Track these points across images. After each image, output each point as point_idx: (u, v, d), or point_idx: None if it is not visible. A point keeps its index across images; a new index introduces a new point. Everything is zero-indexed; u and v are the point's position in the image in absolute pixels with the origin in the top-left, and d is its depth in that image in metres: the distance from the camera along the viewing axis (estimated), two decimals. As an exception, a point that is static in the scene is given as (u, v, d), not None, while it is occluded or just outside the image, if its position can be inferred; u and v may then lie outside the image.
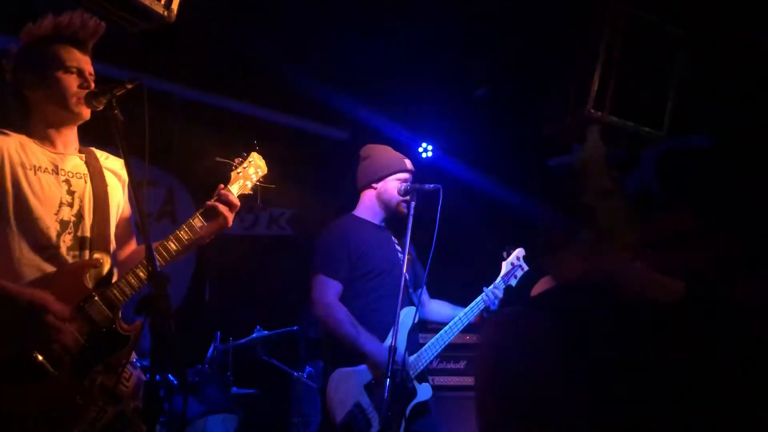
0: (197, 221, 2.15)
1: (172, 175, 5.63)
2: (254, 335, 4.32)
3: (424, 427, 2.87)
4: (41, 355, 1.85)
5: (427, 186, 2.84)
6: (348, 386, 2.72)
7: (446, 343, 2.95)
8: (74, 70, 2.07)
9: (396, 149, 3.18)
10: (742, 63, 3.48)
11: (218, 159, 2.38)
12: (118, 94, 1.85)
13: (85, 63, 2.11)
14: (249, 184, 2.38)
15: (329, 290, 2.82)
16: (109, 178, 2.19)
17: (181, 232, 2.11)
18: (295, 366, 4.47)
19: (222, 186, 2.26)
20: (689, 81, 3.35)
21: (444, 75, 4.98)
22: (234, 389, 4.14)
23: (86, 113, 2.09)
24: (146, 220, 1.80)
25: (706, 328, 1.19)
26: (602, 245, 1.27)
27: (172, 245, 2.09)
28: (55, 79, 2.05)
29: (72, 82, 2.06)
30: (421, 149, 5.69)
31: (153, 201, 5.41)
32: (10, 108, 2.09)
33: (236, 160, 2.37)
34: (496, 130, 5.18)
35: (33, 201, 1.98)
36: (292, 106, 5.60)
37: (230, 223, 2.25)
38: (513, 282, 3.19)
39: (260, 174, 2.43)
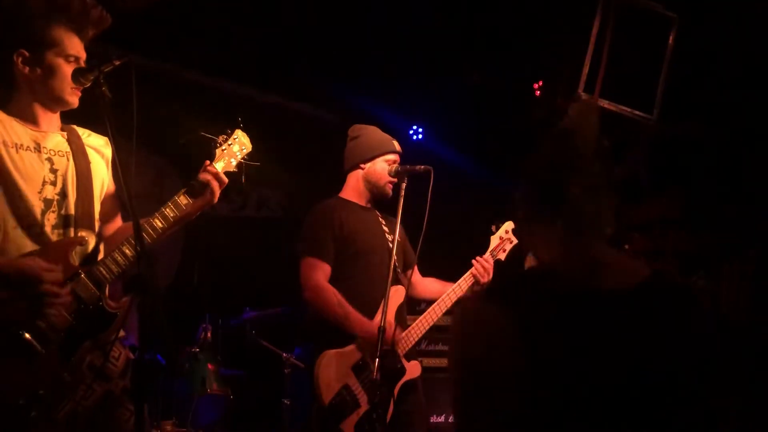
0: (183, 199, 2.14)
1: (161, 155, 5.59)
2: (243, 317, 4.32)
3: (413, 405, 2.88)
4: (28, 333, 1.84)
5: (417, 167, 2.83)
6: (335, 368, 2.72)
7: (436, 319, 2.96)
8: (73, 59, 2.04)
9: (386, 131, 3.16)
10: (734, 48, 3.49)
11: (203, 133, 2.37)
12: (105, 70, 1.82)
13: (82, 50, 2.07)
14: (234, 162, 2.36)
15: (317, 272, 2.82)
16: (92, 156, 2.17)
17: (167, 210, 2.10)
18: (285, 347, 4.48)
19: (208, 162, 2.24)
20: (681, 65, 3.35)
21: (435, 57, 4.96)
22: (223, 370, 4.15)
23: (76, 103, 2.07)
24: (134, 199, 1.77)
25: (666, 319, 1.18)
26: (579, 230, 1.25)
27: (158, 223, 2.08)
28: (54, 64, 2.01)
29: (69, 71, 2.02)
30: (411, 131, 5.69)
31: (141, 181, 5.37)
32: None
33: (220, 138, 2.35)
34: (487, 113, 5.17)
35: (17, 179, 1.95)
36: (282, 87, 5.56)
37: (216, 199, 2.22)
38: (502, 256, 3.19)
39: (245, 152, 2.40)
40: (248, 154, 2.41)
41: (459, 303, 2.98)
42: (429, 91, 5.35)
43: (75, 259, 2.00)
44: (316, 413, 2.71)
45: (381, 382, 2.42)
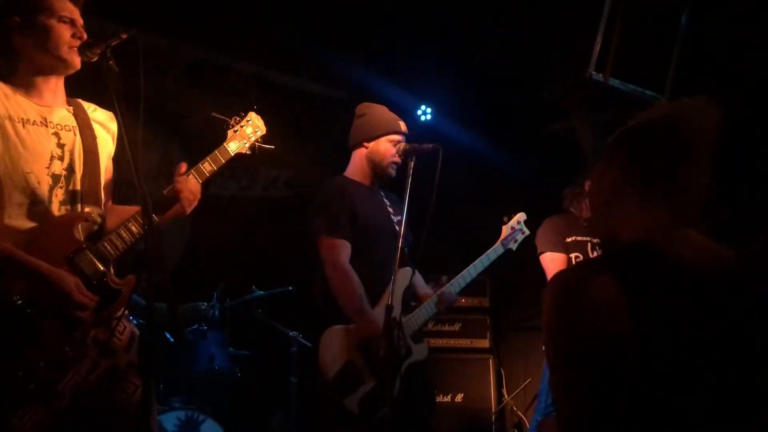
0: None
1: (168, 133, 5.58)
2: (250, 296, 4.33)
3: (419, 386, 2.88)
4: (30, 308, 1.85)
5: (425, 146, 2.80)
6: (340, 343, 2.71)
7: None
8: (67, 20, 2.02)
9: (395, 112, 3.13)
10: (747, 27, 3.43)
11: (215, 114, 2.33)
12: (112, 44, 1.81)
13: (77, 15, 2.05)
14: (247, 144, 2.35)
15: (342, 253, 2.78)
16: (98, 131, 2.16)
17: (131, 225, 2.05)
18: (292, 326, 4.49)
19: (183, 168, 2.20)
20: (693, 44, 3.30)
21: (444, 37, 4.91)
22: (231, 349, 4.17)
23: (77, 62, 2.03)
24: (141, 175, 1.76)
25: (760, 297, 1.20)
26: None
27: (125, 234, 2.04)
28: (47, 25, 1.99)
29: (64, 31, 2.01)
30: (420, 111, 5.65)
31: (148, 160, 5.38)
32: None
33: (233, 119, 2.33)
34: (497, 94, 5.13)
35: (24, 154, 1.94)
36: (290, 66, 5.53)
37: (188, 211, 2.19)
38: (513, 246, 3.19)
39: (258, 134, 2.39)
40: (262, 137, 2.40)
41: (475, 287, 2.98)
42: (437, 71, 5.31)
43: (80, 234, 1.99)
44: (320, 388, 2.71)
45: (387, 360, 2.42)
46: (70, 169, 2.03)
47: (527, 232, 3.23)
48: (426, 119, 5.66)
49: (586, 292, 1.23)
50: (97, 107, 2.20)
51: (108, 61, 1.80)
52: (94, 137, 2.11)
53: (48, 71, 2.06)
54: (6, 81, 2.02)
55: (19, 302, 1.83)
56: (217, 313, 4.14)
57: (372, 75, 5.11)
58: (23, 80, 2.03)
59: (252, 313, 4.37)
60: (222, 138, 2.30)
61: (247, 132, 2.35)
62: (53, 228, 1.94)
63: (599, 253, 2.89)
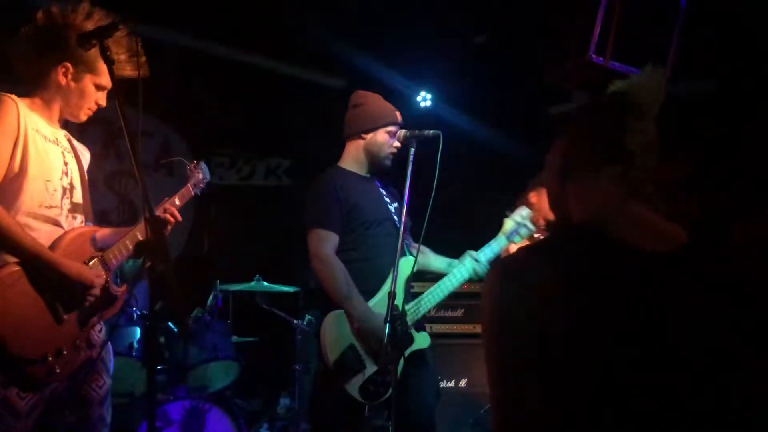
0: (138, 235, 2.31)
1: (167, 124, 5.58)
2: (253, 284, 4.34)
3: (423, 375, 2.88)
4: (59, 302, 2.11)
5: (427, 132, 2.79)
6: (343, 327, 2.72)
7: (449, 292, 2.95)
8: (102, 89, 2.27)
9: (394, 98, 3.11)
10: (746, 10, 3.41)
11: (180, 159, 2.74)
12: (109, 34, 1.82)
13: (111, 84, 2.18)
14: (200, 186, 2.68)
15: (326, 243, 2.80)
16: (80, 154, 2.40)
17: (128, 241, 2.29)
18: (295, 314, 4.51)
19: (166, 198, 2.46)
20: (693, 25, 3.28)
21: (443, 21, 4.89)
22: (234, 337, 4.19)
23: (84, 120, 2.32)
24: (142, 168, 1.80)
25: (705, 279, 1.17)
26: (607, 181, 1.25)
27: (124, 248, 2.29)
28: (88, 88, 2.25)
29: (94, 98, 2.27)
30: (419, 98, 5.64)
31: (148, 151, 5.38)
32: (18, 69, 2.24)
33: (192, 163, 2.69)
34: (496, 78, 5.11)
35: (46, 163, 2.17)
36: (289, 54, 5.51)
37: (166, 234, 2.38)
38: (517, 240, 3.16)
39: (205, 181, 2.72)
40: (207, 184, 2.73)
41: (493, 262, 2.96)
42: (437, 56, 5.29)
43: (93, 244, 2.26)
44: (321, 372, 2.72)
45: (390, 346, 2.42)
46: (71, 185, 2.28)
47: (532, 227, 3.20)
48: (426, 105, 5.65)
49: (523, 278, 1.20)
50: (72, 138, 2.43)
51: (107, 51, 1.82)
52: (80, 161, 2.38)
53: (62, 112, 2.29)
54: (22, 97, 2.21)
55: (47, 296, 2.07)
56: (220, 302, 4.16)
57: (371, 62, 5.10)
58: (39, 104, 2.24)
59: (255, 301, 4.38)
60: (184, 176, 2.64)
61: (200, 177, 2.67)
62: (74, 236, 2.19)
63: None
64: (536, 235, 3.89)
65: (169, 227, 2.36)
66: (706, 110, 3.39)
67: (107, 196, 5.33)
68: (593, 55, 3.05)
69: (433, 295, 2.93)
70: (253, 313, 4.46)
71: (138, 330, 3.65)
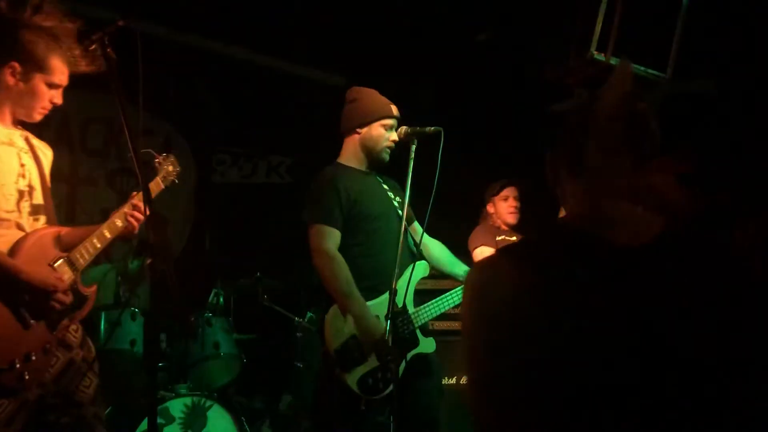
0: (107, 232, 2.28)
1: (168, 122, 5.57)
2: (255, 281, 4.34)
3: (427, 377, 2.87)
4: (23, 307, 2.06)
5: (427, 129, 2.79)
6: (346, 318, 2.73)
7: (448, 307, 2.95)
8: (55, 87, 2.19)
9: (393, 95, 3.11)
10: (749, 7, 3.40)
11: (147, 150, 2.62)
12: (109, 32, 1.81)
13: (66, 80, 2.19)
14: (169, 179, 2.62)
15: (329, 239, 2.80)
16: (41, 155, 2.33)
17: (95, 240, 2.25)
18: (296, 311, 4.51)
19: (134, 193, 2.37)
20: (695, 23, 3.27)
21: (444, 18, 4.87)
22: (236, 335, 4.19)
23: (38, 120, 2.23)
24: (143, 167, 1.82)
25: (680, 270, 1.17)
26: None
27: (91, 247, 2.24)
28: (38, 87, 2.16)
29: (47, 96, 2.18)
30: (421, 95, 5.62)
31: (150, 149, 5.36)
32: None
33: (161, 156, 2.62)
34: (497, 75, 5.10)
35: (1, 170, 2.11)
36: (289, 52, 5.50)
37: (135, 231, 2.35)
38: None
39: (175, 174, 2.66)
40: (177, 175, 2.66)
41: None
42: (437, 53, 5.27)
43: (57, 245, 2.20)
44: (323, 359, 2.73)
45: (389, 341, 2.42)
46: (31, 186, 2.21)
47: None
48: (427, 101, 5.63)
49: (497, 279, 1.22)
50: (32, 135, 2.36)
51: (106, 48, 1.81)
52: (40, 160, 2.30)
53: (15, 113, 2.22)
54: None
55: (10, 303, 2.02)
56: (221, 300, 4.16)
57: (371, 59, 5.09)
58: None
59: (257, 299, 4.38)
60: (152, 169, 2.58)
61: (170, 169, 2.60)
62: (36, 238, 2.13)
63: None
64: (499, 238, 4.03)
65: (137, 225, 2.31)
66: (708, 108, 3.38)
67: (108, 194, 5.32)
68: (595, 52, 3.05)
69: (445, 301, 2.92)
70: (255, 310, 4.47)
71: (140, 327, 3.65)
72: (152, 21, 4.61)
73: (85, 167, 5.00)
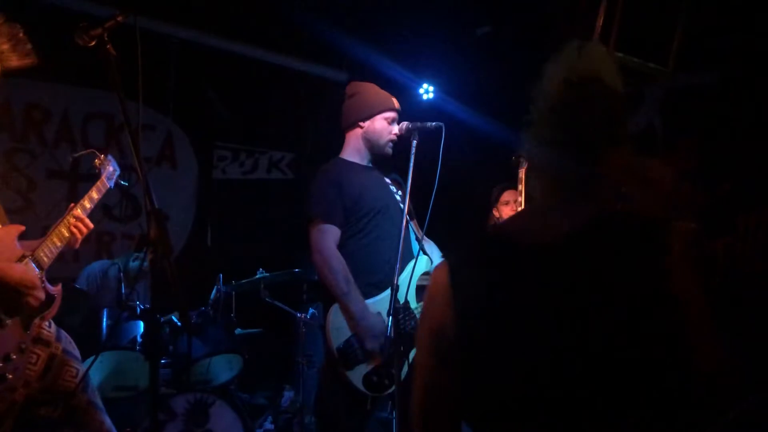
0: (56, 240, 2.28)
1: (169, 117, 5.57)
2: (257, 277, 4.34)
3: None
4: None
5: (429, 124, 2.78)
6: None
7: None
8: None
9: (397, 90, 3.10)
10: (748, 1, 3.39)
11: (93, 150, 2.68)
12: (109, 27, 1.80)
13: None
14: (113, 181, 2.63)
15: (328, 236, 2.80)
16: None
17: (55, 238, 2.26)
18: (298, 307, 4.51)
19: (72, 204, 2.39)
20: (696, 17, 3.26)
21: (446, 13, 4.86)
22: (238, 330, 4.19)
23: None
24: (143, 163, 1.80)
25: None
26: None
27: (52, 246, 2.26)
28: None
29: None
30: (422, 90, 5.62)
31: (151, 145, 5.37)
32: None
33: (100, 156, 2.63)
34: (499, 70, 5.08)
35: None
36: (290, 47, 5.49)
37: (77, 244, 2.37)
38: None
39: (117, 174, 2.68)
40: (119, 176, 2.68)
41: None
42: (439, 48, 5.26)
43: (19, 244, 2.19)
44: (326, 357, 2.72)
45: (394, 338, 2.42)
46: None
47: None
48: (428, 98, 5.62)
49: (450, 278, 1.29)
50: None
51: (105, 45, 1.79)
52: None
53: None
54: None
55: None
56: (222, 296, 4.15)
57: (373, 54, 5.08)
58: None
59: (258, 294, 4.38)
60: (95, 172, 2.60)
61: (110, 169, 2.61)
62: (3, 238, 2.13)
63: None
64: None
65: (80, 236, 2.32)
66: (709, 101, 3.37)
67: (110, 191, 5.33)
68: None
69: None
70: (257, 306, 4.46)
71: (141, 324, 3.65)
72: (152, 16, 4.59)
73: (86, 163, 5.00)
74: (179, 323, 3.85)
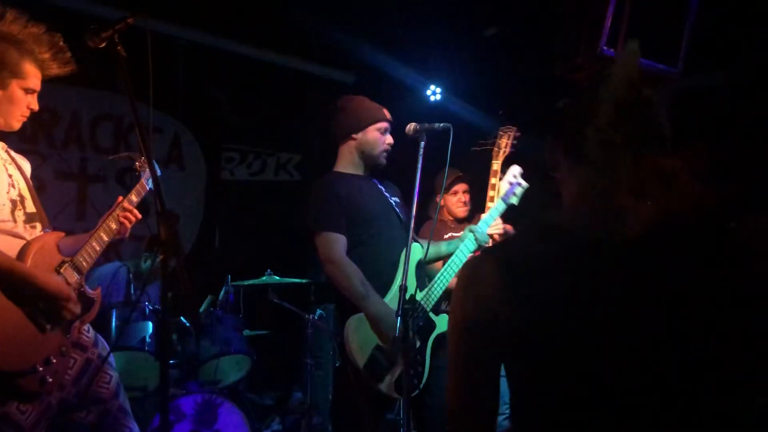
0: (103, 234, 2.31)
1: (177, 119, 5.59)
2: (264, 278, 4.36)
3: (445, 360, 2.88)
4: (38, 312, 2.09)
5: (436, 125, 2.80)
6: (366, 330, 2.72)
7: (459, 269, 2.94)
8: (31, 92, 2.18)
9: (404, 91, 3.11)
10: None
11: (120, 156, 2.68)
12: (120, 29, 1.81)
13: (40, 86, 2.17)
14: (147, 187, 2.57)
15: (337, 245, 2.80)
16: (21, 163, 2.34)
17: (94, 242, 2.27)
18: (306, 309, 4.51)
19: (121, 198, 2.41)
20: (705, 17, 3.25)
21: (453, 14, 4.86)
22: (246, 331, 4.20)
23: (18, 128, 2.22)
24: (153, 162, 1.82)
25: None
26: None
27: (91, 251, 2.27)
28: (16, 93, 2.15)
29: (24, 102, 2.17)
30: (429, 92, 5.62)
31: (159, 147, 5.39)
32: None
33: (140, 159, 2.57)
34: (506, 71, 5.08)
35: None
36: (298, 49, 5.50)
37: (127, 234, 2.39)
38: (514, 200, 3.16)
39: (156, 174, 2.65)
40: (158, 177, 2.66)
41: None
42: (446, 49, 5.26)
43: (60, 249, 2.22)
44: (354, 376, 2.72)
45: (404, 340, 2.42)
46: (21, 195, 2.22)
47: (525, 184, 3.20)
48: (436, 99, 5.63)
49: (476, 278, 1.26)
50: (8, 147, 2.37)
51: (116, 46, 1.81)
52: (23, 170, 2.31)
53: None
54: None
55: (26, 307, 2.03)
56: (231, 297, 4.17)
57: (380, 57, 5.08)
58: None
59: (267, 296, 4.39)
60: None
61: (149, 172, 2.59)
62: (41, 244, 2.15)
63: None
64: (447, 236, 4.04)
65: (129, 225, 2.35)
66: (719, 102, 3.36)
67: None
68: (604, 48, 3.03)
69: (445, 275, 2.93)
70: (265, 307, 4.48)
71: (150, 325, 3.67)
72: (162, 19, 4.61)
73: (94, 165, 5.03)
74: (188, 324, 3.87)
